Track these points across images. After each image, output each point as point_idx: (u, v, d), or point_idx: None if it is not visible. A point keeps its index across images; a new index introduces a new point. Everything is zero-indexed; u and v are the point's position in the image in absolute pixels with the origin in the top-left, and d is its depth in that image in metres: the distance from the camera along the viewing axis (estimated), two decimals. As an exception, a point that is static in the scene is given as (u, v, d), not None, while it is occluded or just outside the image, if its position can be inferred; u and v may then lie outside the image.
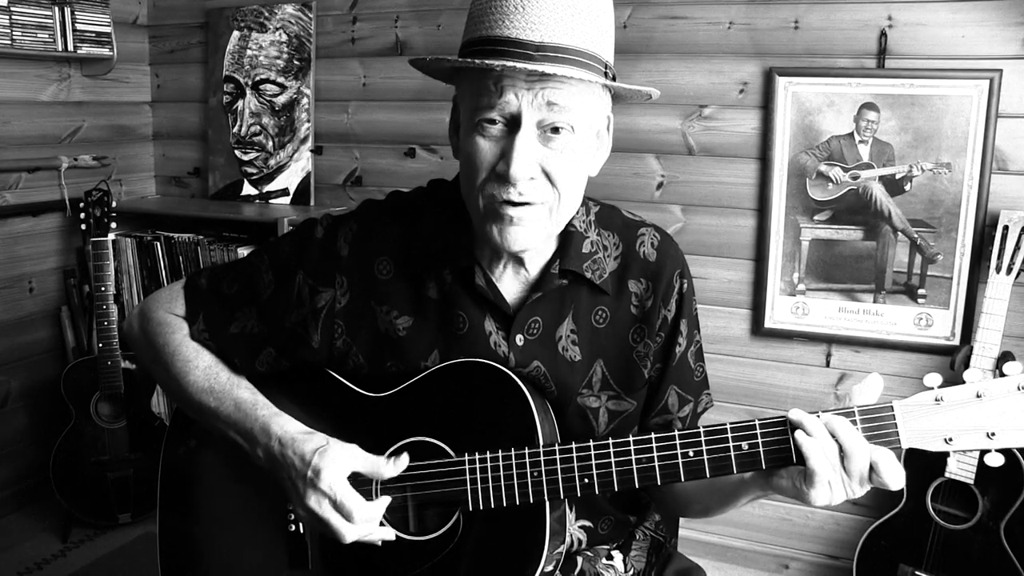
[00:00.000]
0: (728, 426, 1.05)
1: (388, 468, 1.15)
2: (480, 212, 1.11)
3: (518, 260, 1.20)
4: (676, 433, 1.07)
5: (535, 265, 1.21)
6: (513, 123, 1.06)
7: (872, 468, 1.00)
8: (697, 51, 2.66)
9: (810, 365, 2.67)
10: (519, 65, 1.02)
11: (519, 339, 1.20)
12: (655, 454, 1.07)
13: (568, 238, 1.20)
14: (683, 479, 1.06)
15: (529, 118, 1.05)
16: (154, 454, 2.89)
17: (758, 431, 1.03)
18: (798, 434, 1.01)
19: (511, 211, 1.09)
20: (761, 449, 1.03)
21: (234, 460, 1.26)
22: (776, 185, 2.60)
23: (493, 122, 1.07)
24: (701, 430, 1.06)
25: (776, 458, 1.03)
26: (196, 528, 1.31)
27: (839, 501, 1.03)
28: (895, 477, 1.00)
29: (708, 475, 1.05)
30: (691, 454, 1.05)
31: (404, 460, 1.15)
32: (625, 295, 1.23)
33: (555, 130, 1.07)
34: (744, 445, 1.04)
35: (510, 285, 1.21)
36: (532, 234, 1.11)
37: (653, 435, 1.07)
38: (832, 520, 2.75)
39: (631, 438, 1.08)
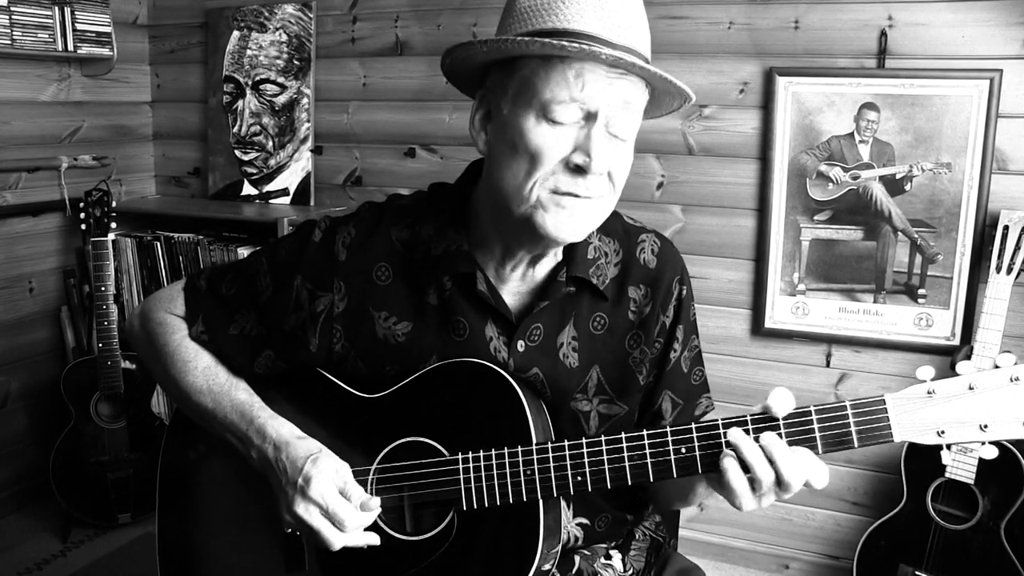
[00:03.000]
0: (719, 422, 1.05)
1: (357, 499, 1.15)
2: (530, 202, 1.07)
3: (533, 261, 1.19)
4: (668, 430, 1.07)
5: (544, 268, 1.21)
6: (588, 116, 1.05)
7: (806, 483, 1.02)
8: (697, 51, 2.66)
9: (810, 365, 2.67)
10: (634, 60, 1.02)
11: (520, 345, 1.20)
12: (647, 451, 1.07)
13: (573, 244, 1.19)
14: (675, 475, 1.06)
15: (604, 114, 1.05)
16: (154, 454, 2.90)
17: (749, 420, 1.04)
18: (725, 460, 1.02)
19: (574, 202, 1.07)
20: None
21: (232, 462, 1.26)
22: (776, 185, 2.60)
23: (566, 114, 1.04)
24: (693, 427, 1.06)
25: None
26: (195, 530, 1.31)
27: (765, 506, 1.04)
28: (821, 480, 1.01)
29: (700, 471, 1.06)
30: (683, 451, 1.06)
31: (376, 502, 1.15)
32: (624, 301, 1.23)
33: (620, 129, 1.07)
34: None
35: (514, 289, 1.21)
36: (585, 226, 1.11)
37: (645, 432, 1.07)
38: (832, 520, 2.75)
39: (623, 435, 1.08)
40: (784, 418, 1.03)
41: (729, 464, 1.01)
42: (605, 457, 1.08)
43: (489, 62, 1.12)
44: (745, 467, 1.01)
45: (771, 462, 1.00)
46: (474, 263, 1.18)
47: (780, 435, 1.02)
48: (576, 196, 1.07)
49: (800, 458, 1.01)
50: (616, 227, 1.26)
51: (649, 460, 1.07)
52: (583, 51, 1.01)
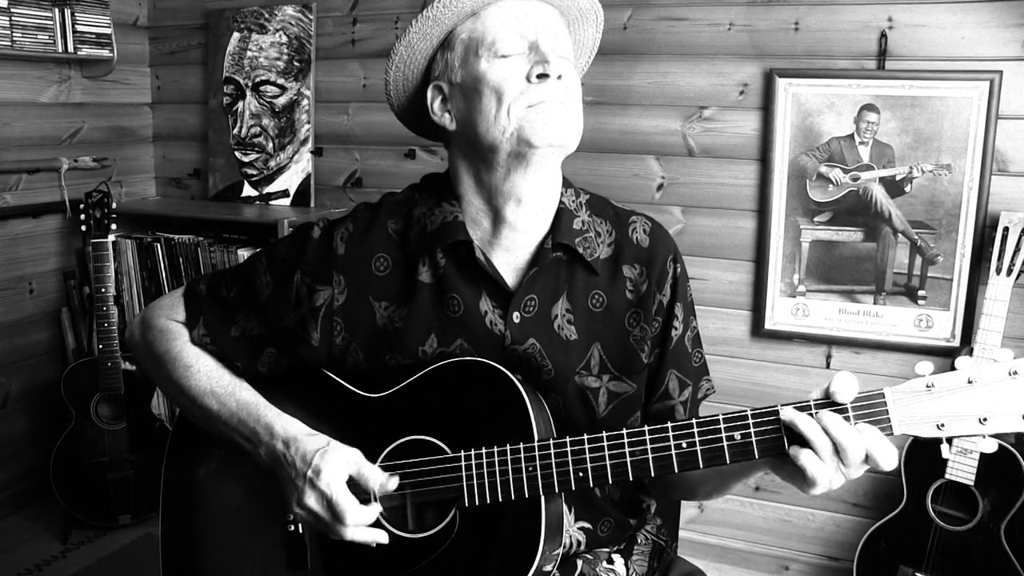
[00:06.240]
0: (720, 416, 1.05)
1: (376, 482, 1.16)
2: (513, 125, 1.13)
3: (506, 221, 1.21)
4: (669, 425, 1.07)
5: (532, 238, 1.22)
6: (531, 46, 1.15)
7: (867, 455, 0.99)
8: (697, 52, 2.66)
9: (810, 366, 2.67)
10: None
11: (516, 316, 1.21)
12: (648, 446, 1.07)
13: (559, 214, 1.23)
14: (676, 470, 1.07)
15: (544, 38, 1.15)
16: (154, 455, 2.92)
17: (750, 421, 1.04)
18: (794, 449, 1.00)
19: (549, 106, 1.13)
20: (754, 439, 1.04)
21: (234, 462, 1.27)
22: (776, 186, 2.60)
23: (512, 45, 1.15)
24: (694, 421, 1.06)
25: (769, 447, 1.04)
26: (198, 530, 1.32)
27: (836, 487, 1.02)
28: (888, 459, 0.99)
29: (702, 466, 1.06)
30: (684, 445, 1.06)
31: (395, 482, 1.17)
32: (620, 280, 1.25)
33: (561, 49, 1.17)
34: (736, 435, 1.04)
35: (506, 261, 1.23)
36: (569, 129, 1.16)
37: (646, 427, 1.08)
38: (832, 521, 2.75)
39: (624, 431, 1.09)
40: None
41: (796, 451, 1.00)
42: (606, 452, 1.09)
43: (429, 59, 1.23)
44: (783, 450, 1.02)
45: (825, 431, 0.99)
46: (468, 234, 1.21)
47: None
48: (548, 101, 1.13)
49: (858, 431, 0.99)
50: (607, 210, 1.30)
51: (650, 455, 1.07)
52: None
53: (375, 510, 1.16)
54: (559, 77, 1.14)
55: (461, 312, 1.21)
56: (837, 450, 0.99)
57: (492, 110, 1.14)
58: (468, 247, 1.21)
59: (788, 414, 1.02)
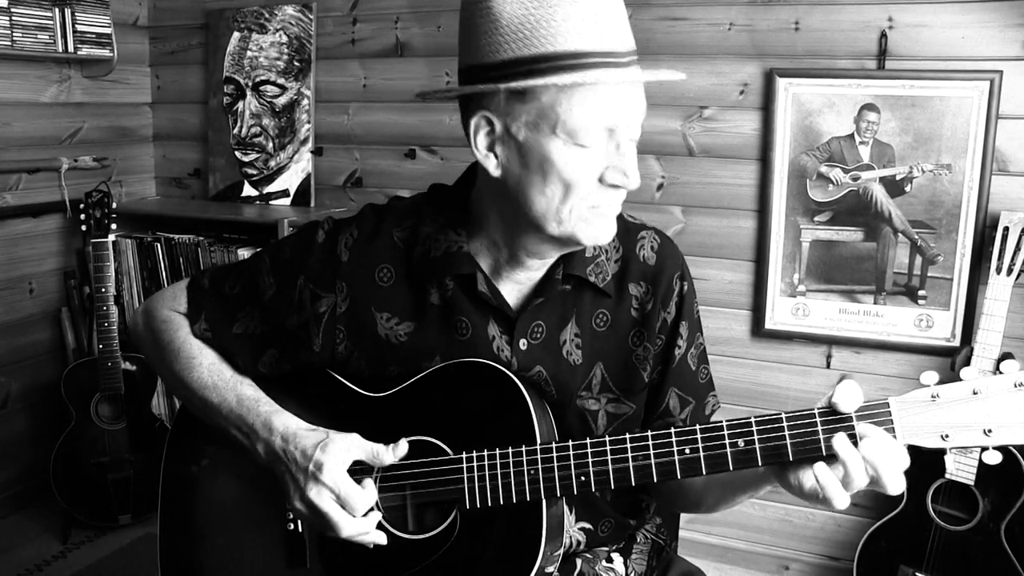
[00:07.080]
0: (724, 423, 1.05)
1: (387, 454, 1.14)
2: (571, 221, 1.09)
3: (521, 264, 1.19)
4: (673, 431, 1.07)
5: (543, 266, 1.21)
6: (611, 132, 1.06)
7: (873, 480, 1.00)
8: (697, 52, 2.66)
9: (811, 366, 2.67)
10: (649, 74, 1.06)
11: (522, 343, 1.20)
12: (651, 452, 1.07)
13: None
14: (679, 476, 1.06)
15: (626, 127, 1.08)
16: (154, 455, 2.91)
17: (754, 428, 1.04)
18: (817, 467, 1.00)
19: (611, 210, 1.11)
20: (757, 447, 1.03)
21: (235, 460, 1.27)
22: (776, 186, 2.60)
23: (595, 138, 1.05)
24: (697, 427, 1.06)
25: (772, 455, 1.03)
26: (196, 529, 1.32)
27: (841, 508, 1.03)
28: (896, 486, 1.00)
29: (704, 472, 1.05)
30: (687, 451, 1.06)
31: (403, 447, 1.15)
32: (625, 298, 1.24)
33: (636, 134, 1.11)
34: (740, 443, 1.04)
35: (514, 288, 1.22)
36: (615, 225, 1.14)
37: (650, 433, 1.07)
38: (832, 521, 2.75)
39: (627, 436, 1.08)
40: (787, 418, 1.03)
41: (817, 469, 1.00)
42: (609, 457, 1.08)
43: None
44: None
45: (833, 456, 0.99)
46: (474, 264, 1.19)
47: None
48: (612, 205, 1.11)
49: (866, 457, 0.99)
50: (617, 224, 1.27)
51: (653, 460, 1.07)
52: (617, 77, 1.03)
53: (401, 452, 1.15)
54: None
55: (469, 336, 1.20)
56: (845, 478, 0.99)
57: (556, 199, 1.07)
58: (473, 280, 1.19)
59: (839, 445, 0.99)
